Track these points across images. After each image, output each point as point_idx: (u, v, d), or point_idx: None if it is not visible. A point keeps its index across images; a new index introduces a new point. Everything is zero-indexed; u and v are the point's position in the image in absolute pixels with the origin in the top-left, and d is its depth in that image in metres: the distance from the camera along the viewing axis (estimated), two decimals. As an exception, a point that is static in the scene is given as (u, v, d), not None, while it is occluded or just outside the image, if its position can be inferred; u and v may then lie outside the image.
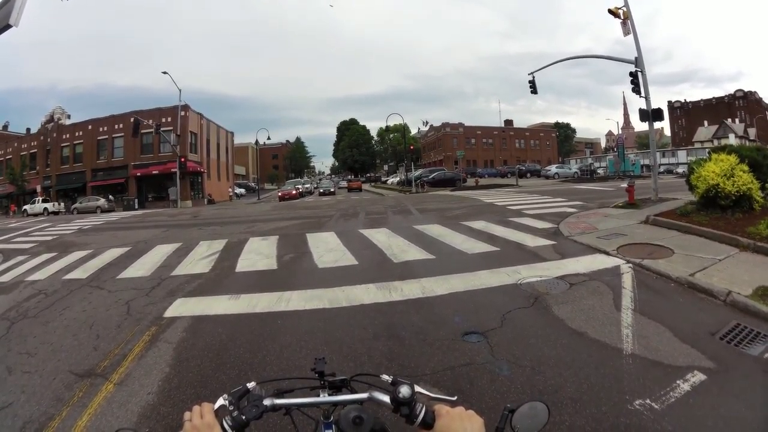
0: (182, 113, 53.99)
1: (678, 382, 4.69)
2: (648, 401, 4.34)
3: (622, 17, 21.51)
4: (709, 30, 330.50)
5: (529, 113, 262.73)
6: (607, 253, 10.49)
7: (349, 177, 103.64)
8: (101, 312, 8.10)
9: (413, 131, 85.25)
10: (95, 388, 5.15)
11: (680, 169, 58.20)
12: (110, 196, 52.08)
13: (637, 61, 21.18)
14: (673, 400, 4.37)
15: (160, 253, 13.46)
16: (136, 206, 50.07)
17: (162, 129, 48.54)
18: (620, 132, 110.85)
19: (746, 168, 13.11)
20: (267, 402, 1.57)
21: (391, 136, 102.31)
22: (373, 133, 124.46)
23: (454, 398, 1.59)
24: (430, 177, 55.21)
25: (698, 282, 7.93)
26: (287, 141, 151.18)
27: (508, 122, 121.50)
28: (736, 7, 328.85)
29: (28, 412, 4.75)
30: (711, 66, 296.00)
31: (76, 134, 60.76)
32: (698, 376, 4.80)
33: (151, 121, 48.53)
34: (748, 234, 10.43)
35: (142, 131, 48.86)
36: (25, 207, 53.37)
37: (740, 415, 4.17)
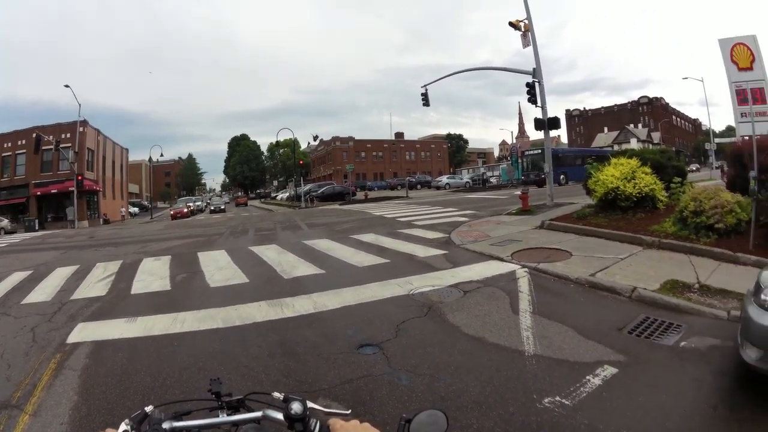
0: (81, 129, 52.69)
1: (588, 377, 4.77)
2: (558, 398, 4.39)
3: (522, 29, 22.03)
4: (616, 40, 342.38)
5: (422, 125, 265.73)
6: (501, 260, 10.62)
7: (239, 194, 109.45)
8: (9, 340, 7.83)
9: (303, 146, 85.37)
10: (13, 420, 4.99)
11: None
12: (22, 218, 49.93)
13: (535, 72, 21.73)
14: (584, 395, 4.44)
15: (59, 276, 13.10)
16: (37, 227, 48.09)
17: (61, 146, 47.19)
18: (514, 141, 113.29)
19: (649, 170, 13.65)
20: (166, 425, 1.57)
21: (281, 151, 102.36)
22: (264, 148, 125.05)
23: (348, 412, 1.64)
24: (320, 191, 56.24)
25: (600, 281, 8.14)
26: (180, 158, 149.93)
27: (399, 135, 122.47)
28: (643, 18, 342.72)
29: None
30: (615, 75, 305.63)
31: (-20, 150, 57.77)
32: (609, 370, 4.90)
33: (51, 137, 46.74)
34: (651, 232, 10.85)
35: (43, 148, 46.81)
36: None
37: (661, 402, 4.27)
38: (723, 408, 4.24)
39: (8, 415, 5.16)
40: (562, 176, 48.79)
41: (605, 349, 5.47)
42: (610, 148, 74.84)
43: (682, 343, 5.57)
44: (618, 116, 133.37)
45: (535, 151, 54.18)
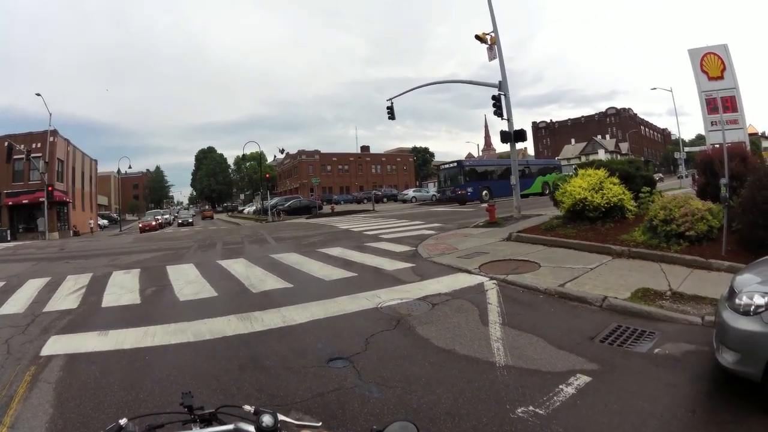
0: (51, 139, 51.91)
1: (561, 386, 4.81)
2: (531, 408, 4.42)
3: (489, 43, 22.04)
4: (583, 52, 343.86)
5: (388, 138, 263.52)
6: (469, 272, 10.65)
7: (206, 207, 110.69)
8: None
9: (270, 159, 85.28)
10: None
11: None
12: None
13: (501, 85, 21.82)
14: (558, 404, 4.47)
15: (32, 287, 13.01)
16: (9, 237, 47.40)
17: (32, 155, 46.79)
18: (480, 154, 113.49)
19: (617, 180, 13.77)
20: None
21: (248, 164, 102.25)
22: (231, 161, 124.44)
23: (319, 424, 1.69)
24: (286, 205, 55.76)
25: (569, 291, 8.20)
26: (148, 170, 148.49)
27: (365, 148, 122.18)
28: (610, 30, 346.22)
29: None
30: (583, 87, 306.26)
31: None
32: (582, 379, 4.94)
33: (23, 147, 46.13)
34: (621, 241, 10.96)
35: (15, 157, 46.15)
36: None
37: (638, 408, 4.32)
38: (702, 411, 4.32)
39: None
40: (484, 192, 45.76)
41: (577, 358, 5.53)
42: (561, 160, 74.89)
43: (656, 350, 5.64)
44: (585, 127, 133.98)
45: (450, 165, 51.91)
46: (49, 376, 6.45)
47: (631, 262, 10.00)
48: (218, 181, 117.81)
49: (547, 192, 41.84)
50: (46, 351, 7.47)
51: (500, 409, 4.47)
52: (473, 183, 46.95)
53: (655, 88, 63.15)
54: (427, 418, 4.41)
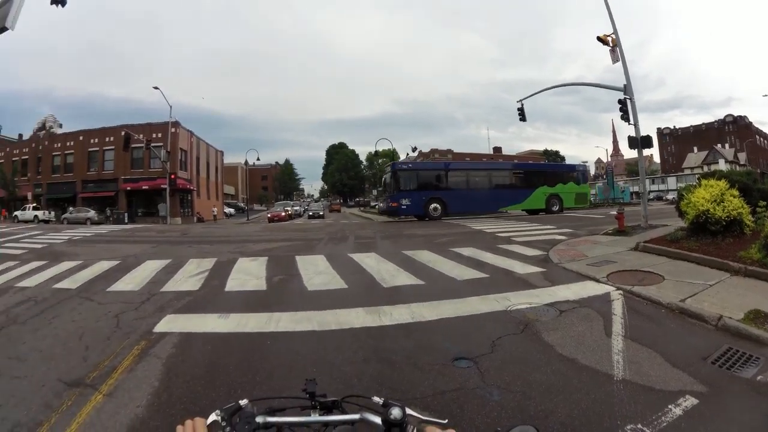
0: (172, 130, 54.30)
1: (670, 406, 4.69)
2: (640, 425, 4.32)
3: (611, 44, 21.65)
4: (700, 57, 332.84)
5: (520, 140, 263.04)
6: (597, 280, 10.47)
7: (339, 200, 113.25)
8: (91, 323, 8.05)
9: (402, 156, 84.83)
10: (84, 398, 5.11)
11: (670, 196, 57.71)
12: (108, 209, 52.12)
13: (626, 89, 21.31)
14: (665, 425, 4.36)
15: (149, 268, 13.40)
16: (126, 220, 49.83)
17: (152, 144, 48.45)
18: (609, 159, 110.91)
19: (736, 193, 13.25)
20: (259, 419, 1.58)
21: (380, 161, 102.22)
22: (362, 157, 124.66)
23: (446, 421, 1.60)
24: None
25: (689, 307, 7.94)
26: (276, 163, 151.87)
27: (497, 149, 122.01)
28: (727, 34, 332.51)
29: (16, 416, 4.70)
30: (701, 93, 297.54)
31: (68, 144, 60.64)
32: (690, 401, 4.80)
33: (141, 136, 48.19)
34: (738, 258, 10.50)
35: (132, 145, 48.19)
36: (16, 213, 53.42)
37: None
38: None
39: (80, 392, 5.30)
40: (433, 205, 35.63)
41: (689, 378, 5.39)
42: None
43: (759, 377, 5.44)
44: (706, 135, 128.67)
45: (406, 166, 39.62)
46: (160, 351, 6.64)
47: (746, 281, 9.60)
48: (350, 176, 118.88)
49: (555, 208, 39.10)
50: (159, 328, 7.72)
51: (611, 425, 4.41)
52: (413, 192, 35.67)
53: (767, 95, 59.43)
54: (542, 426, 4.28)
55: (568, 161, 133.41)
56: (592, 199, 62.56)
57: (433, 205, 35.52)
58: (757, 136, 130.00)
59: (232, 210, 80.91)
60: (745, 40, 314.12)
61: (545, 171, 43.67)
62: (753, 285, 9.19)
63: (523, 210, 39.58)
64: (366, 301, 9.20)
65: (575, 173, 43.19)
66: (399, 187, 35.91)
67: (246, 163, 68.74)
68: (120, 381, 5.57)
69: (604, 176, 78.57)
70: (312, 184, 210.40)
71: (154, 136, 52.46)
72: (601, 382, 5.38)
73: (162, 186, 48.43)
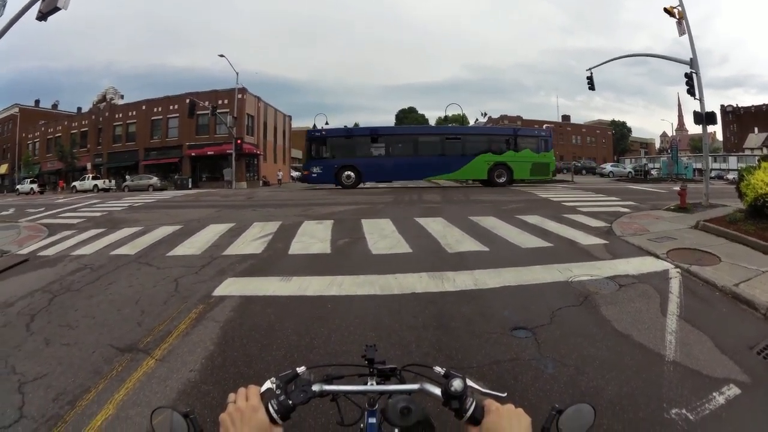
0: (239, 96, 54.42)
1: (714, 394, 4.67)
2: (684, 411, 4.34)
3: (677, 17, 21.20)
4: (764, 35, 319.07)
5: (588, 110, 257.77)
6: (656, 256, 10.35)
7: None
8: (148, 288, 8.25)
9: (471, 122, 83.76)
10: (136, 363, 5.24)
11: (730, 175, 55.58)
12: (172, 176, 53.27)
13: (692, 63, 20.83)
14: (707, 413, 4.36)
15: (212, 232, 13.57)
16: (190, 185, 50.61)
17: (218, 111, 48.70)
18: (674, 134, 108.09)
19: None
20: (315, 387, 1.57)
21: (450, 125, 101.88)
22: (432, 122, 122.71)
23: (504, 394, 1.58)
24: None
25: (742, 293, 7.84)
26: (345, 126, 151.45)
27: (566, 117, 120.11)
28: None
29: (62, 384, 4.85)
30: (765, 72, 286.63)
31: (130, 114, 61.55)
32: (733, 390, 4.77)
33: (207, 103, 48.26)
34: None
35: (198, 112, 48.33)
36: (74, 183, 54.58)
37: None
38: None
39: (131, 357, 5.44)
40: (347, 173, 35.08)
41: (735, 367, 5.35)
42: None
43: None
44: (766, 116, 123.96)
45: (318, 134, 38.63)
46: (218, 315, 6.82)
47: None
48: None
49: (502, 179, 34.96)
50: (219, 292, 7.89)
51: (657, 407, 4.45)
52: (325, 161, 35.50)
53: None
54: (591, 402, 4.04)
55: (635, 133, 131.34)
56: (654, 173, 60.90)
57: (345, 173, 35.04)
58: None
59: (299, 173, 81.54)
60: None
61: (490, 136, 38.64)
62: None
63: (457, 180, 37.99)
64: (430, 266, 9.29)
65: (533, 139, 37.45)
66: (311, 155, 36.14)
67: (314, 127, 68.94)
68: (174, 346, 5.69)
69: (669, 150, 76.40)
70: None
71: (220, 102, 52.76)
72: (653, 362, 5.40)
73: (228, 151, 49.13)
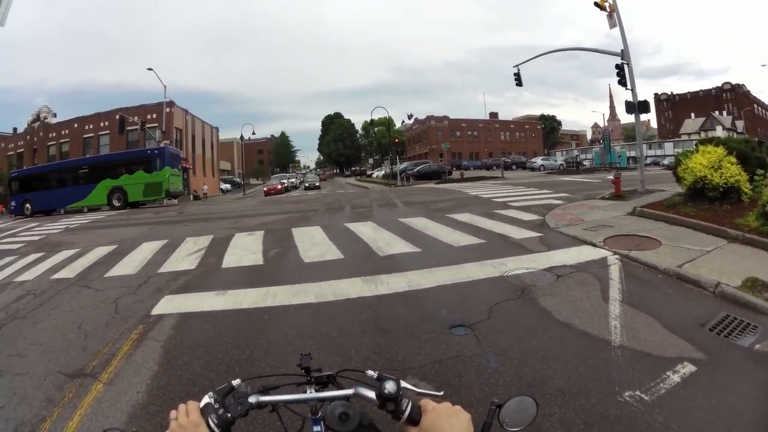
0: (167, 110, 53.90)
1: (668, 373, 4.72)
2: (638, 393, 4.38)
3: (608, 10, 21.54)
4: (700, 24, 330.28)
5: (517, 105, 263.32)
6: (593, 245, 10.49)
7: (326, 171, 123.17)
8: (89, 311, 8.05)
9: (398, 124, 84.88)
10: (85, 388, 5.14)
11: (667, 161, 57.15)
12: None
13: (623, 54, 21.20)
14: (663, 392, 4.40)
15: (147, 250, 13.36)
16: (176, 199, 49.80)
17: (147, 126, 48.28)
18: (606, 124, 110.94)
19: (734, 160, 13.22)
20: (252, 399, 1.59)
21: (376, 129, 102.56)
22: (358, 126, 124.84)
23: (441, 393, 1.59)
24: (415, 170, 55.16)
25: (686, 273, 7.97)
26: (272, 136, 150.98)
27: (494, 114, 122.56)
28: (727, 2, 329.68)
29: (20, 415, 4.72)
30: (700, 59, 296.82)
31: (62, 133, 60.47)
32: (688, 368, 4.83)
33: (136, 118, 47.77)
34: (736, 225, 10.53)
35: (128, 128, 47.80)
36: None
37: (732, 406, 4.20)
38: None
39: (80, 383, 5.35)
40: (26, 205, 38.82)
41: (687, 345, 5.41)
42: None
43: (757, 346, 5.45)
44: (704, 102, 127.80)
45: (15, 174, 43.45)
46: (158, 334, 6.70)
47: (743, 248, 9.62)
48: (346, 145, 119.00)
49: (119, 203, 36.54)
50: (157, 310, 7.75)
51: (609, 391, 4.46)
52: (17, 195, 39.97)
53: (765, 65, 58.89)
54: (540, 393, 4.39)
55: (565, 126, 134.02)
56: (588, 164, 62.75)
57: (26, 205, 38.89)
58: (755, 105, 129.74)
59: (228, 186, 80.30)
60: (745, 8, 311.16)
61: (109, 162, 40.13)
62: (750, 252, 9.23)
63: (87, 207, 38.18)
64: (363, 271, 9.27)
65: (145, 159, 38.29)
66: (11, 191, 40.99)
67: (241, 137, 68.29)
68: (120, 368, 5.60)
69: (601, 141, 78.37)
70: (308, 156, 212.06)
71: (149, 117, 52.38)
72: (599, 348, 5.43)
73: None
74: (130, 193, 36.91)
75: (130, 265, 11.47)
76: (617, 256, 9.42)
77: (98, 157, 46.99)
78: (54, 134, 61.26)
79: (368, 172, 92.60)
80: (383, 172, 68.93)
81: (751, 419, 4.07)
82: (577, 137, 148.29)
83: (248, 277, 9.53)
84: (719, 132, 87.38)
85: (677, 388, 4.47)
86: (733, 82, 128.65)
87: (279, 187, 56.00)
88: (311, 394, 1.67)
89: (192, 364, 5.56)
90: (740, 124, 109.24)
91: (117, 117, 46.31)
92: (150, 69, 47.26)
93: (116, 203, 36.69)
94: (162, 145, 42.04)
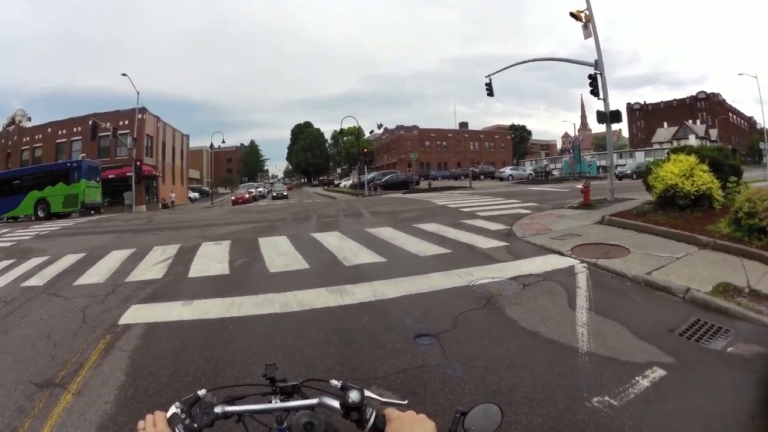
0: (140, 116, 53.66)
1: (637, 378, 4.76)
2: (606, 398, 4.39)
3: (583, 20, 21.74)
4: (677, 33, 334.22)
5: (488, 115, 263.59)
6: (561, 254, 10.55)
7: (293, 180, 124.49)
8: (58, 320, 7.96)
9: (367, 134, 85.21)
10: (55, 399, 5.08)
11: (628, 170, 57.62)
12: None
13: (597, 64, 21.46)
14: (632, 396, 4.43)
15: (115, 258, 13.27)
16: (92, 211, 49.19)
17: (119, 132, 47.98)
18: (576, 134, 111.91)
19: (706, 168, 13.33)
20: (218, 409, 1.58)
21: (345, 139, 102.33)
22: (328, 136, 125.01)
23: (405, 402, 1.64)
24: (383, 180, 55.42)
25: (656, 280, 8.04)
26: (242, 144, 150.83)
27: (463, 124, 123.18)
28: (704, 12, 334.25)
29: (-7, 425, 4.72)
30: (676, 69, 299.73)
31: (36, 137, 59.66)
32: (658, 372, 4.87)
33: (108, 125, 47.27)
34: (707, 232, 10.62)
35: (100, 134, 47.35)
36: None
37: (703, 410, 4.26)
38: (761, 420, 4.15)
39: (50, 393, 5.29)
40: None
41: (656, 350, 5.44)
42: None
43: (729, 349, 5.51)
44: (677, 111, 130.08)
45: None
46: (125, 344, 6.61)
47: (715, 254, 9.72)
48: (315, 155, 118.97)
49: (43, 214, 37.01)
50: (124, 320, 7.65)
51: (577, 397, 4.46)
52: None
53: (741, 74, 59.77)
54: (506, 401, 4.40)
55: (536, 136, 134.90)
56: (557, 173, 63.44)
57: None
58: (731, 114, 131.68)
59: (196, 194, 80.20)
60: (721, 17, 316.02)
61: (37, 174, 41.10)
62: (722, 258, 9.31)
63: (12, 218, 38.77)
64: (328, 281, 9.23)
65: (65, 171, 39.27)
66: None
67: (211, 146, 67.88)
68: (88, 378, 5.53)
69: (571, 151, 78.94)
70: (277, 165, 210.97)
71: (121, 123, 51.95)
72: (566, 355, 5.45)
73: (128, 173, 48.05)
74: (52, 204, 37.59)
75: (98, 273, 11.37)
76: (585, 265, 9.48)
77: (27, 169, 47.41)
78: (28, 138, 60.45)
79: (336, 182, 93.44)
80: (351, 181, 69.28)
81: (726, 421, 4.13)
82: (547, 147, 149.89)
83: (214, 287, 9.48)
84: (692, 141, 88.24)
85: (647, 393, 4.50)
86: (709, 92, 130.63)
87: (247, 196, 56.69)
88: (276, 404, 1.67)
89: (159, 374, 5.52)
90: (714, 133, 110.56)
91: (90, 122, 45.82)
92: (124, 74, 47.14)
93: (41, 214, 37.28)
94: (80, 158, 43.83)
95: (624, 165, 63.85)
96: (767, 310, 6.63)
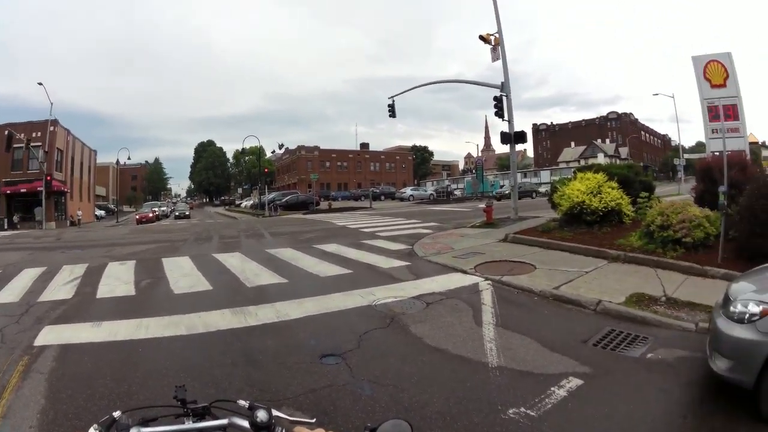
0: (51, 128, 51.83)
1: (552, 389, 4.82)
2: (523, 409, 4.43)
3: (493, 43, 22.08)
4: (588, 55, 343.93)
5: (391, 136, 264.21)
6: (464, 272, 10.69)
7: (194, 200, 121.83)
8: None
9: (269, 154, 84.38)
10: None
11: (542, 189, 58.54)
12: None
13: (503, 86, 21.87)
14: (550, 406, 4.49)
15: (27, 276, 12.96)
16: (6, 226, 47.22)
17: (32, 144, 46.51)
18: (480, 154, 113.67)
19: (615, 185, 13.77)
20: (134, 431, 1.59)
21: (247, 158, 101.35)
22: (230, 155, 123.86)
23: (313, 420, 1.65)
24: (284, 200, 55.38)
25: (564, 294, 8.22)
26: (147, 162, 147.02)
27: (364, 145, 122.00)
28: (615, 35, 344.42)
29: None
30: (588, 91, 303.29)
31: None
32: (574, 382, 4.94)
33: (23, 135, 45.85)
34: (617, 246, 10.96)
35: (15, 146, 45.91)
36: None
37: (628, 412, 4.35)
38: (693, 417, 4.34)
39: None
40: None
41: (570, 361, 5.54)
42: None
43: (649, 355, 5.66)
44: (586, 131, 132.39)
45: None
46: (42, 366, 6.42)
47: (626, 267, 10.02)
48: (216, 174, 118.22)
49: None
50: (39, 341, 7.43)
51: (492, 410, 4.49)
52: None
53: (657, 94, 62.57)
54: (419, 417, 4.42)
55: (437, 157, 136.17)
56: (459, 193, 64.47)
57: None
58: (643, 132, 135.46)
59: (102, 212, 77.95)
60: (635, 38, 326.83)
61: None
62: (633, 270, 9.61)
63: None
64: (231, 302, 9.21)
65: None
66: None
67: (117, 162, 66.63)
68: (11, 401, 5.41)
69: (473, 171, 80.00)
70: (180, 183, 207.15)
71: (34, 135, 49.81)
72: (476, 370, 5.52)
73: (38, 188, 46.40)
74: None
75: (13, 291, 11.10)
76: (489, 282, 9.64)
77: None
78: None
79: (237, 202, 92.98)
80: (252, 202, 69.11)
81: (652, 423, 4.22)
82: (449, 167, 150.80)
83: (121, 308, 9.34)
84: (600, 159, 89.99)
85: (565, 402, 4.57)
86: (620, 111, 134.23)
87: (151, 215, 56.07)
88: (189, 425, 1.71)
89: (75, 397, 5.38)
90: (624, 151, 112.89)
91: (6, 132, 44.20)
92: (40, 84, 45.91)
93: None
94: None
95: (503, 187, 63.05)
96: (687, 316, 6.90)
